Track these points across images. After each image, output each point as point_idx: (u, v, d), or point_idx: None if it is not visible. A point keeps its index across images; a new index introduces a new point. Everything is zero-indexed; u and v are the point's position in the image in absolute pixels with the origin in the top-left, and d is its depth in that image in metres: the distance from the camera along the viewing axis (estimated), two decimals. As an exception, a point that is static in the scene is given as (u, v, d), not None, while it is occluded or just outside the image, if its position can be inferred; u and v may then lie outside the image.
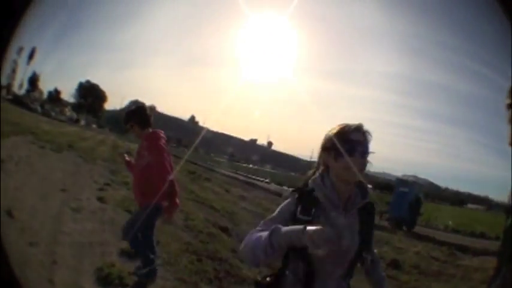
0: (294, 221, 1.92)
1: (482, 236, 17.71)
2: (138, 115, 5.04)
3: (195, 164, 30.06)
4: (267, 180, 30.91)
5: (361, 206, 2.10)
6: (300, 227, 1.72)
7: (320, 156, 2.14)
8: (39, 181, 8.54)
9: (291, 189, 2.14)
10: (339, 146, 1.98)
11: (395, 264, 9.22)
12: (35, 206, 6.69)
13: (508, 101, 1.61)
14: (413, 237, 14.16)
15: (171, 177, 4.73)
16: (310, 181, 2.10)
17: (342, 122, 2.08)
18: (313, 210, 1.96)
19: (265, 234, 1.83)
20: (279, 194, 20.78)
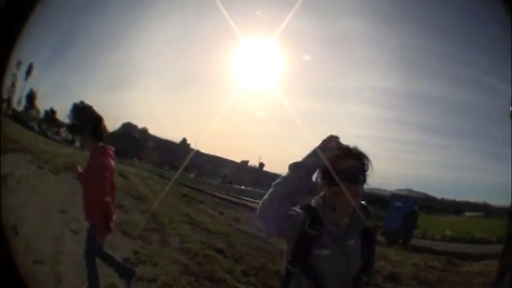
0: (302, 231, 2.00)
1: (482, 241, 16.74)
2: (91, 125, 4.98)
3: (188, 186, 30.01)
4: (260, 202, 30.92)
5: (362, 229, 2.13)
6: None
7: (317, 182, 2.15)
8: (39, 201, 8.58)
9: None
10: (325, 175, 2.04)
11: (392, 277, 9.21)
12: (38, 225, 6.73)
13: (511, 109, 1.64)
14: (410, 250, 13.88)
15: (106, 198, 4.66)
16: (313, 200, 2.13)
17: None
18: (320, 227, 2.00)
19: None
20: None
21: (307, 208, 2.09)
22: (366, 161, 2.04)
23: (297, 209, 2.09)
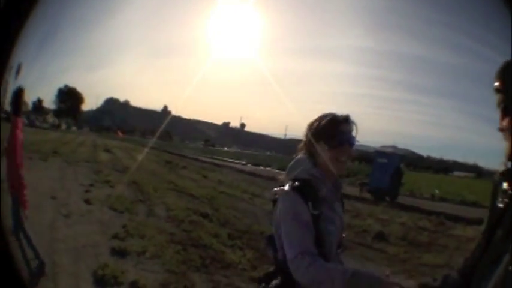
0: (313, 219, 1.87)
1: (474, 204, 17.25)
2: (13, 99, 4.93)
3: (171, 153, 29.99)
4: (243, 162, 31.06)
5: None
6: (375, 277, 1.67)
7: (309, 143, 2.06)
8: (31, 192, 8.64)
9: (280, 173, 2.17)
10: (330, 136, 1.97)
11: (381, 237, 9.03)
12: (32, 218, 6.82)
13: (496, 84, 1.53)
14: (398, 208, 13.91)
15: (21, 171, 4.71)
16: (301, 171, 2.01)
17: (327, 112, 2.06)
18: (318, 202, 1.91)
19: (337, 270, 1.72)
20: (256, 175, 20.88)
21: (301, 188, 1.92)
22: (355, 128, 2.04)
23: (292, 194, 1.90)
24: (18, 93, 5.04)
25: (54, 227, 6.83)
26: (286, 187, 1.95)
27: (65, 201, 8.78)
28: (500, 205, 1.48)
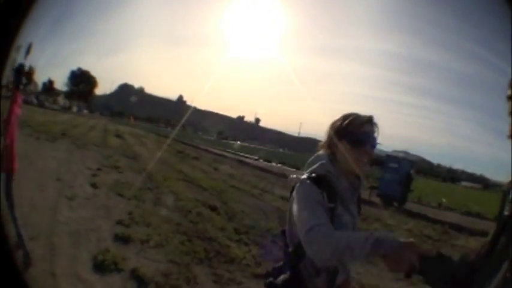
0: (330, 212, 1.86)
1: (478, 216, 17.14)
2: (15, 75, 4.89)
3: (183, 143, 29.98)
4: (255, 157, 31.01)
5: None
6: (397, 241, 1.62)
7: (330, 142, 2.09)
8: (36, 173, 8.56)
9: (293, 172, 2.22)
10: (353, 136, 1.99)
11: None
12: (34, 199, 6.71)
13: (509, 92, 1.61)
14: (405, 214, 13.87)
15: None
16: (319, 166, 2.02)
17: (350, 112, 2.08)
18: (334, 197, 1.92)
19: (357, 236, 1.66)
20: (267, 171, 20.82)
21: (317, 179, 1.94)
22: (377, 130, 2.04)
23: (308, 182, 1.92)
24: (19, 68, 4.99)
25: (57, 209, 6.70)
26: (304, 175, 1.97)
27: (71, 183, 8.65)
28: (506, 213, 1.66)
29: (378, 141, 2.03)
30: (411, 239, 1.64)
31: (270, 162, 29.37)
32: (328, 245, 1.65)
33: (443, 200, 20.17)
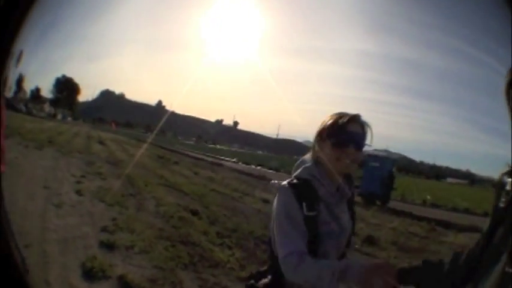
0: (306, 221, 1.83)
1: (466, 211, 17.27)
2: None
3: (163, 148, 29.97)
4: (234, 160, 31.10)
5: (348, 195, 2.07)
6: (366, 264, 1.64)
7: (315, 143, 2.02)
8: (26, 181, 8.65)
9: (277, 180, 1.97)
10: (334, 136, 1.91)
11: (370, 241, 8.95)
12: (26, 207, 6.81)
13: (508, 78, 1.49)
14: (389, 213, 13.93)
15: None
16: (302, 170, 1.98)
17: (339, 112, 1.98)
18: (315, 204, 1.87)
19: (326, 267, 1.69)
20: (247, 174, 20.91)
21: (297, 186, 1.90)
22: (367, 129, 1.97)
23: (286, 189, 1.88)
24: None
25: (46, 217, 6.82)
26: (284, 182, 1.93)
27: (57, 191, 8.77)
28: (502, 205, 1.50)
29: (368, 141, 1.98)
30: (381, 261, 1.80)
31: (249, 164, 29.51)
32: (298, 275, 1.74)
33: (428, 197, 20.41)
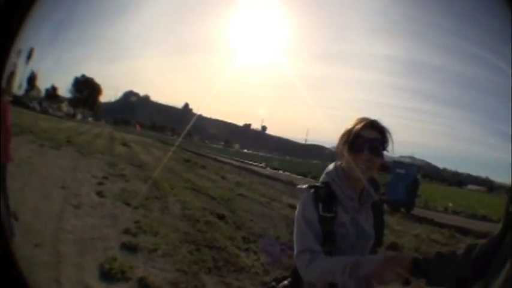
0: (320, 221, 1.91)
1: (484, 218, 17.51)
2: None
3: (190, 151, 30.02)
4: (262, 165, 31.08)
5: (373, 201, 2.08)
6: (378, 257, 1.75)
7: (337, 148, 2.08)
8: (40, 180, 8.58)
9: (304, 184, 2.08)
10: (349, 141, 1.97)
11: (394, 248, 9.01)
12: (38, 206, 6.72)
13: None
14: (412, 220, 14.09)
15: None
16: (324, 174, 2.06)
17: (361, 116, 2.04)
18: (333, 206, 1.94)
19: (338, 261, 1.80)
20: (274, 179, 20.85)
21: (317, 188, 1.99)
22: (387, 135, 2.00)
23: (306, 191, 2.00)
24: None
25: (62, 218, 6.70)
26: (305, 186, 2.02)
27: (76, 191, 8.64)
28: None
29: (390, 147, 2.01)
30: (394, 254, 1.82)
31: (277, 170, 29.45)
32: (311, 271, 1.85)
33: (450, 204, 20.71)
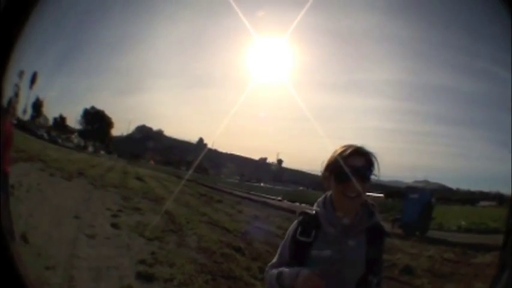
0: (294, 242, 2.06)
1: (495, 231, 16.72)
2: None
3: (206, 186, 30.01)
4: (279, 198, 30.95)
5: (367, 227, 2.11)
6: (295, 271, 1.92)
7: (324, 179, 2.16)
8: (51, 208, 8.70)
9: (303, 207, 2.24)
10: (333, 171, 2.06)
11: (407, 270, 9.30)
12: (50, 232, 6.84)
13: None
14: (426, 242, 14.35)
15: None
16: (316, 203, 2.17)
17: (346, 144, 2.12)
18: (314, 232, 2.04)
19: (275, 273, 2.05)
20: (292, 211, 20.80)
21: (304, 215, 2.15)
22: (373, 160, 2.06)
23: (297, 217, 2.19)
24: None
25: (76, 245, 6.83)
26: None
27: (90, 222, 8.77)
28: None
29: (379, 173, 2.07)
30: (311, 273, 1.88)
31: (294, 202, 29.21)
32: (267, 281, 2.13)
33: (462, 222, 20.65)
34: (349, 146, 2.07)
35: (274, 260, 2.16)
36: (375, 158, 2.05)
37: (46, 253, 5.70)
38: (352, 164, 1.99)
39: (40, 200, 8.86)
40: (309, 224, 2.06)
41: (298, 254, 2.04)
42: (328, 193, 2.15)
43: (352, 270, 2.02)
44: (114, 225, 9.04)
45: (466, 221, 20.82)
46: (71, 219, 8.52)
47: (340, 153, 2.04)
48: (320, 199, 2.16)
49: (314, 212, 2.12)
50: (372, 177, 2.04)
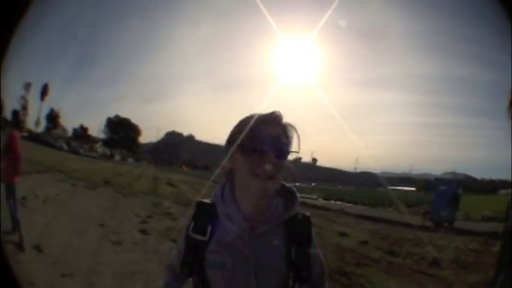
0: (187, 240, 1.65)
1: None
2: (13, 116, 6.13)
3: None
4: (314, 197, 31.14)
5: (285, 221, 1.64)
6: None
7: (224, 157, 1.66)
8: (72, 217, 8.74)
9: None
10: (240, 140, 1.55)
11: (435, 262, 9.58)
12: (69, 240, 6.88)
13: (509, 99, 1.50)
14: (453, 233, 14.69)
15: None
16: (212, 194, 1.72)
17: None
18: (209, 228, 1.61)
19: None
20: (325, 209, 21.14)
21: (200, 205, 1.69)
22: (292, 131, 1.59)
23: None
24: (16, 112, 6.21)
25: (99, 252, 6.86)
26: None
27: (116, 229, 8.81)
28: None
29: (296, 148, 1.59)
30: None
31: (328, 200, 29.79)
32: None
33: (486, 212, 21.38)
34: (258, 113, 1.58)
35: (173, 258, 1.82)
36: (295, 129, 1.60)
37: (63, 261, 5.75)
38: (268, 132, 1.53)
39: (59, 210, 8.91)
40: (203, 217, 1.65)
41: (194, 254, 1.62)
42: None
43: (265, 279, 1.58)
44: (143, 231, 9.04)
45: (489, 210, 21.62)
46: (94, 227, 8.57)
47: (248, 118, 1.59)
48: (217, 186, 1.71)
49: (210, 201, 1.69)
50: (293, 155, 1.57)
